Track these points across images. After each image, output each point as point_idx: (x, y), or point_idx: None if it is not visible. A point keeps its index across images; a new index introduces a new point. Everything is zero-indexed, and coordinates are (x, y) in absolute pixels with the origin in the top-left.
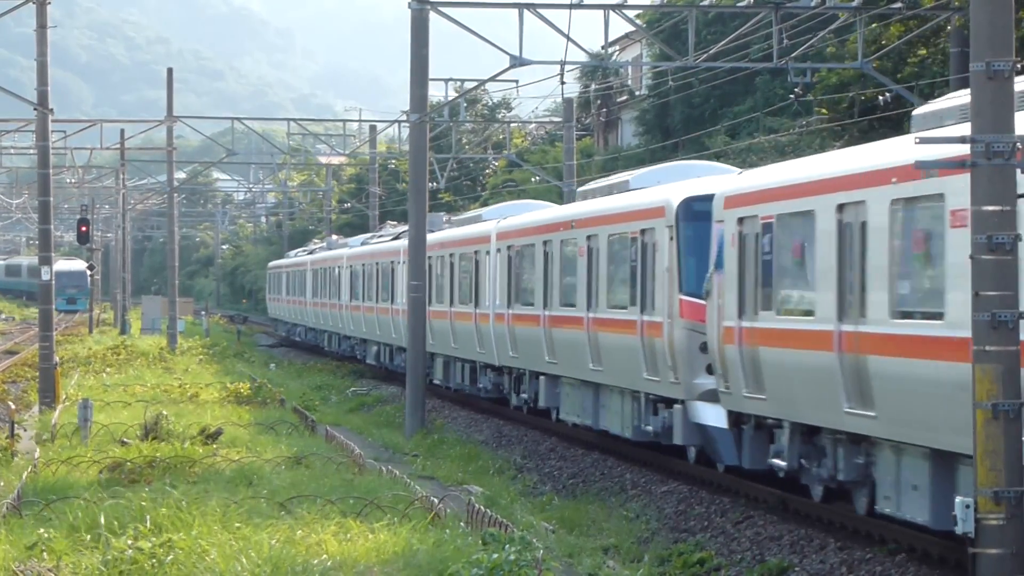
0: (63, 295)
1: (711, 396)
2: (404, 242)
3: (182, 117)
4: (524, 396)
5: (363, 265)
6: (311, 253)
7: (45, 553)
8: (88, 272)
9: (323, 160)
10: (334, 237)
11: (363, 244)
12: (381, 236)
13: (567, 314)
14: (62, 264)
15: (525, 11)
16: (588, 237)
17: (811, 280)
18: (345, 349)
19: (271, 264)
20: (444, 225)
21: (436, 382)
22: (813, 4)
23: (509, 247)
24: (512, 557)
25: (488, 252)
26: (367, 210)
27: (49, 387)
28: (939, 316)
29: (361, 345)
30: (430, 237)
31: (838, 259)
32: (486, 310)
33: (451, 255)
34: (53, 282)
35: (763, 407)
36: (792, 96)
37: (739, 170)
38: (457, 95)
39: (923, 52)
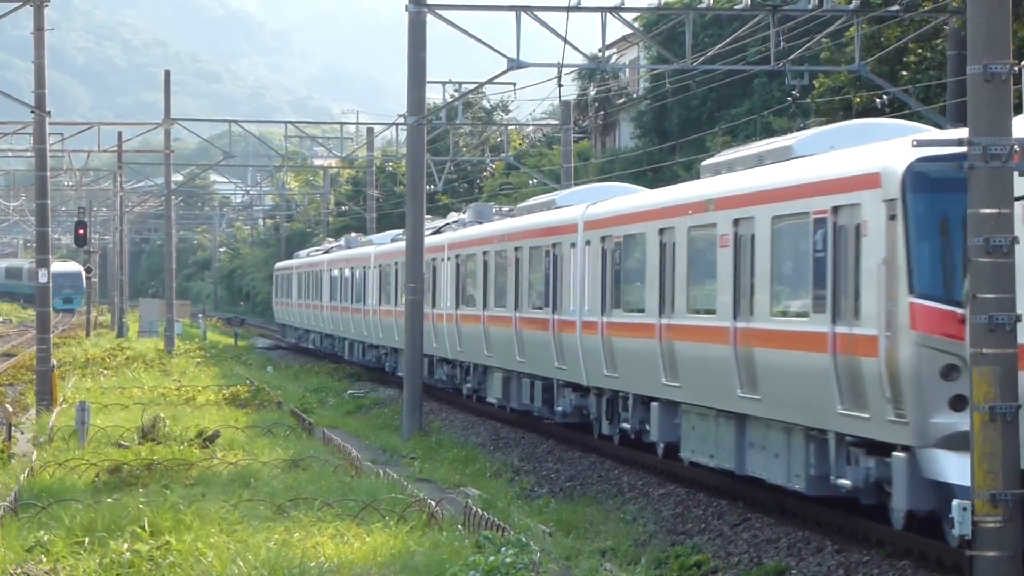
0: (60, 295)
1: (957, 441)
2: (450, 235)
3: (179, 120)
4: (625, 425)
5: (395, 264)
6: (327, 252)
7: (42, 556)
8: (84, 273)
9: (319, 162)
10: (354, 235)
11: (394, 240)
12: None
13: (699, 323)
14: (58, 266)
15: (522, 14)
16: (736, 221)
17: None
18: (371, 359)
19: (279, 266)
20: (494, 217)
21: (491, 400)
22: (810, 6)
23: (604, 238)
24: (508, 560)
25: (573, 244)
26: (364, 212)
27: (47, 389)
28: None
29: (391, 355)
30: (482, 229)
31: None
32: (569, 316)
33: (516, 249)
34: (51, 284)
35: None
36: (790, 98)
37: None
38: (454, 98)
39: (917, 55)
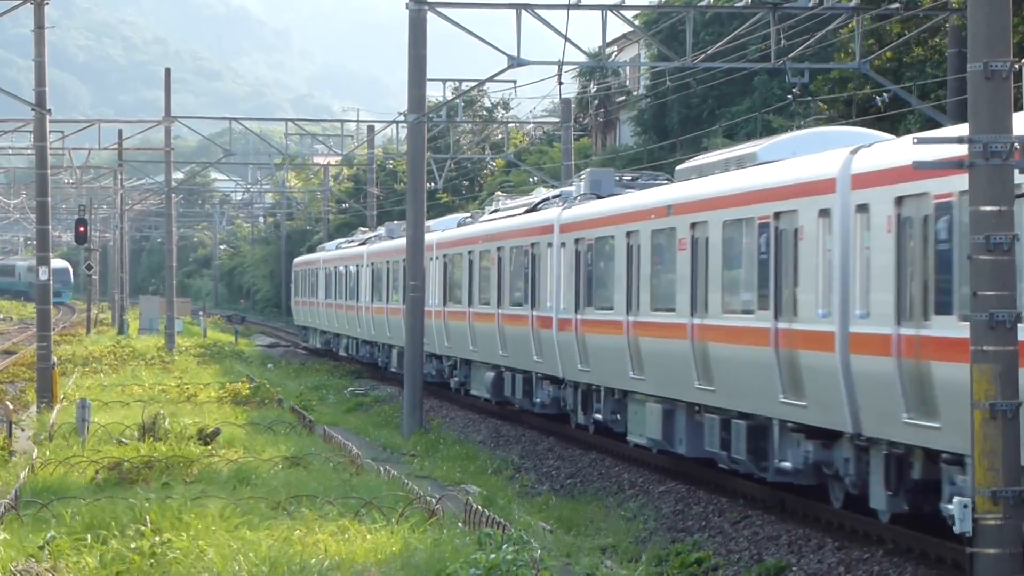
0: None
1: None
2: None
3: (180, 117)
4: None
5: (469, 253)
6: (364, 244)
7: (44, 553)
8: (70, 268)
9: (319, 160)
10: (396, 223)
11: (461, 225)
12: (499, 211)
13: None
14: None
15: (523, 11)
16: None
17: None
18: (431, 372)
19: (299, 261)
20: (588, 197)
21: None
22: (811, 4)
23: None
24: (509, 557)
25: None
26: (365, 210)
27: (47, 387)
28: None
29: (462, 368)
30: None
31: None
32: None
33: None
34: (51, 282)
35: None
36: (790, 96)
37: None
38: (455, 95)
39: (919, 51)
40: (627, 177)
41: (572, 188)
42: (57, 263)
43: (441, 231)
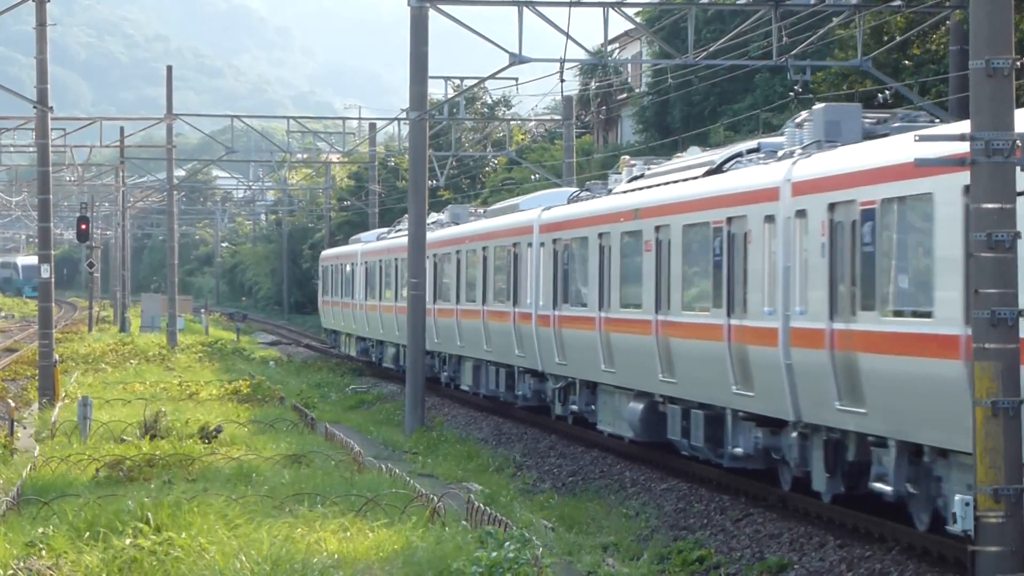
0: (31, 284)
1: None
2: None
3: (181, 115)
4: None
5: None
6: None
7: (44, 551)
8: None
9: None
10: (462, 206)
11: (571, 203)
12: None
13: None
14: (28, 259)
15: (524, 9)
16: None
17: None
18: (526, 393)
19: (329, 254)
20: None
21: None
22: (812, 1)
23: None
24: (511, 555)
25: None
26: (366, 208)
27: (49, 385)
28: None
29: (586, 394)
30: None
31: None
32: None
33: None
34: (53, 279)
35: None
36: (792, 93)
37: None
38: (456, 93)
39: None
40: (869, 120)
41: (783, 139)
42: (34, 259)
43: (542, 210)
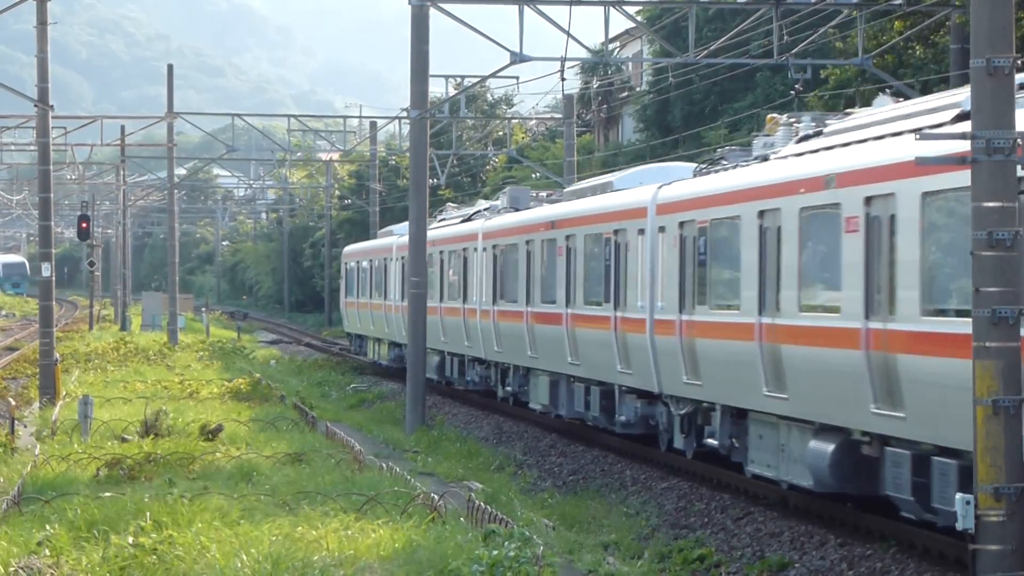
0: (10, 281)
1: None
2: (477, 224)
3: (182, 113)
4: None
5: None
6: (472, 219)
7: (46, 549)
8: (26, 263)
9: (323, 156)
10: (522, 188)
11: (675, 183)
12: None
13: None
14: (7, 258)
15: (525, 7)
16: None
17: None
18: (629, 418)
19: (353, 250)
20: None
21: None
22: (813, 0)
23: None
24: (512, 553)
25: (529, 241)
26: (367, 207)
27: (49, 383)
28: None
29: (697, 415)
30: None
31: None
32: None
33: (528, 241)
34: (54, 277)
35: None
36: (792, 92)
37: None
38: (457, 91)
39: (920, 50)
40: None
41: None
42: (12, 257)
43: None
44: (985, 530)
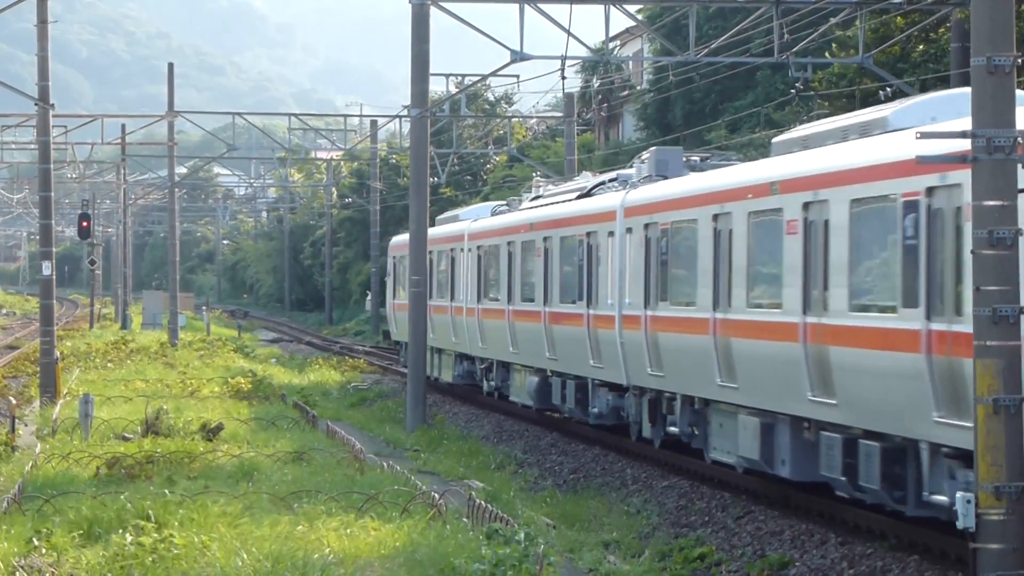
0: None
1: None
2: (463, 226)
3: (183, 112)
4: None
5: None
6: (590, 193)
7: (45, 548)
8: None
9: (323, 155)
10: (670, 149)
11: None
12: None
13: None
14: None
15: (526, 6)
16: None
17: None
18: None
19: (401, 240)
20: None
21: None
22: None
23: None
24: (514, 552)
25: (495, 245)
26: (368, 205)
27: (50, 382)
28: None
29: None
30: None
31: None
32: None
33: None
34: (54, 276)
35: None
36: (793, 91)
37: None
38: (458, 90)
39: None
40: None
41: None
42: None
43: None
44: (986, 529)
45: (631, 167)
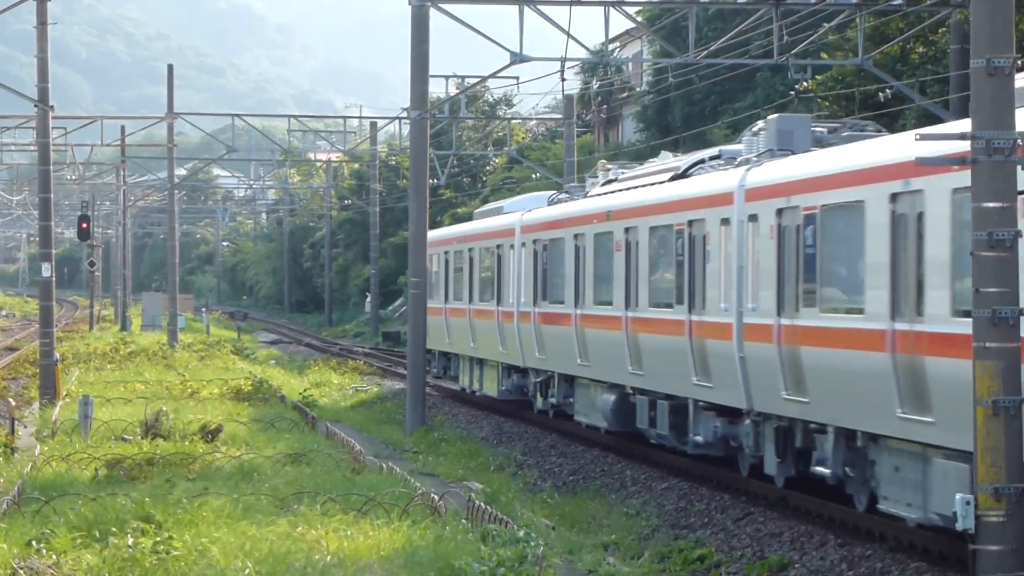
0: None
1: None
2: (436, 233)
3: (182, 113)
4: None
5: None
6: (681, 175)
7: (45, 550)
8: None
9: (322, 156)
10: (792, 117)
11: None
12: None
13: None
14: None
15: (525, 7)
16: (469, 249)
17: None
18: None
19: (438, 236)
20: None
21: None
22: (813, 1)
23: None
24: (513, 554)
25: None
26: (367, 206)
27: (50, 383)
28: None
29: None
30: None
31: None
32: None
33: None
34: (54, 278)
35: None
36: (792, 92)
37: None
38: (458, 91)
39: (921, 50)
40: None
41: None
42: None
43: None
44: (985, 530)
45: (739, 142)
